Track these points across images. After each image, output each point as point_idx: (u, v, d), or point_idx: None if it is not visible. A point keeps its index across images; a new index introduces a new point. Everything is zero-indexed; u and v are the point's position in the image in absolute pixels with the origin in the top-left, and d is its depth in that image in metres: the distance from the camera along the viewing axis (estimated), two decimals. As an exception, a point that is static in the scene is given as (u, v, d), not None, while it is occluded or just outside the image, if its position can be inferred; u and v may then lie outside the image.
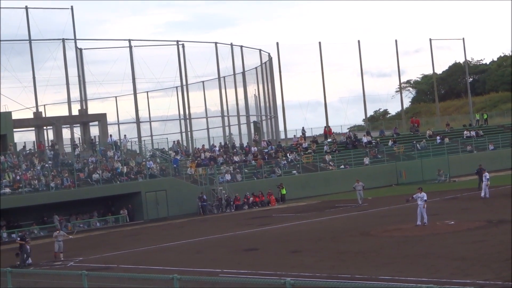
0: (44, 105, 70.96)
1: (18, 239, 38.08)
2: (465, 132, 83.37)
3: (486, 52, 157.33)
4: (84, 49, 71.70)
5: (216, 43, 77.54)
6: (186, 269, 28.63)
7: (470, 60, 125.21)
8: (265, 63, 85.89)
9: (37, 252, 39.50)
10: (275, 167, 68.06)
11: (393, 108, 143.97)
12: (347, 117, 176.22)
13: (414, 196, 37.92)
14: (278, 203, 62.13)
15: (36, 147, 64.74)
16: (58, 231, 39.31)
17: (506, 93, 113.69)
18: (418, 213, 37.06)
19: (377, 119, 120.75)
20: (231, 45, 79.07)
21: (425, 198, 37.35)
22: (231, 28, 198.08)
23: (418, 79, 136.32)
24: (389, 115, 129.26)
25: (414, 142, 78.23)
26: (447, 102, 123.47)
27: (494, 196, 48.63)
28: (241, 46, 79.70)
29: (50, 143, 66.10)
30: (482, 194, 49.03)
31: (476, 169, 57.69)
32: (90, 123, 68.08)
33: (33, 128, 68.44)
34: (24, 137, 70.78)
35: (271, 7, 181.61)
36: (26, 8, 66.77)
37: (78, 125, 69.13)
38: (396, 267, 25.25)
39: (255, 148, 73.02)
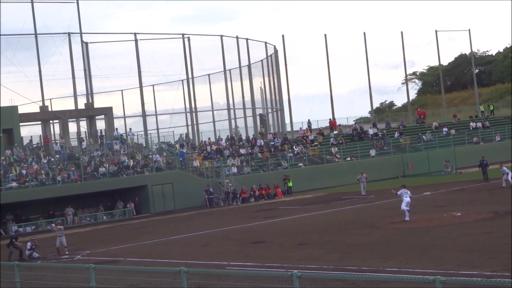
0: (50, 99, 71.12)
1: (14, 240, 38.09)
2: (471, 123, 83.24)
3: (492, 43, 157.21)
4: (90, 43, 71.78)
5: (221, 36, 77.52)
6: (193, 262, 28.67)
7: (476, 52, 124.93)
8: (271, 55, 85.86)
9: (44, 246, 39.56)
10: (281, 160, 68.08)
11: (399, 100, 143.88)
12: (353, 109, 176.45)
13: (398, 192, 37.37)
14: (285, 196, 62.16)
15: (42, 141, 64.85)
16: (57, 226, 38.90)
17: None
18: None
19: (383, 111, 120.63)
20: (237, 38, 79.03)
21: (410, 194, 37.09)
22: (237, 21, 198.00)
23: (424, 70, 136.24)
24: (395, 107, 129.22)
25: (420, 134, 78.15)
26: (453, 93, 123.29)
27: (501, 188, 48.65)
28: (247, 39, 79.66)
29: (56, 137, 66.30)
30: (504, 185, 49.03)
31: (478, 161, 57.81)
32: (96, 117, 68.18)
33: (40, 122, 68.56)
34: (30, 131, 71.12)
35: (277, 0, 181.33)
36: (32, 2, 66.80)
37: (84, 119, 69.26)
38: (402, 259, 25.23)
39: (261, 140, 73.04)
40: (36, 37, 67.13)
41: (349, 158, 70.91)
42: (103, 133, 66.00)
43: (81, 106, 68.58)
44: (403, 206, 36.37)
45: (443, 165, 67.68)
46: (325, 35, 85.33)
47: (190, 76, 75.22)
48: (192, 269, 20.00)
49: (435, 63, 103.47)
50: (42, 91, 67.26)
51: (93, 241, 42.83)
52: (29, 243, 37.01)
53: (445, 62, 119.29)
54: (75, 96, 69.65)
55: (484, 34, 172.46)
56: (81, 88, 70.14)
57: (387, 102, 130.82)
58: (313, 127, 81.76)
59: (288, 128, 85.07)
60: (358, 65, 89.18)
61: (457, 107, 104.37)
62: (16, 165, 57.02)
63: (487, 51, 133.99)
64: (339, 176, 67.55)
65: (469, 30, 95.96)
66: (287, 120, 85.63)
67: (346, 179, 65.80)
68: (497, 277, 19.82)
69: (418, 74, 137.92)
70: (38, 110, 66.39)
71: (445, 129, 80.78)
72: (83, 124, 70.14)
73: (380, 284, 18.54)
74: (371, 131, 78.67)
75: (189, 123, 77.77)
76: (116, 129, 67.13)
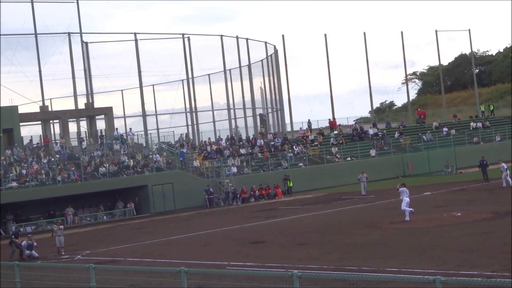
0: (51, 99, 71.14)
1: (13, 236, 38.15)
2: (471, 123, 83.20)
3: (492, 43, 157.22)
4: (90, 42, 71.76)
5: (221, 36, 77.49)
6: (193, 262, 28.66)
7: (476, 52, 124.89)
8: (271, 55, 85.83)
9: (44, 246, 39.58)
10: (281, 160, 68.06)
11: (400, 100, 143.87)
12: (353, 109, 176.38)
13: (399, 189, 37.40)
14: (285, 196, 62.14)
15: (42, 141, 64.84)
16: (58, 226, 39.00)
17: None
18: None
19: (384, 111, 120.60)
20: (237, 38, 78.98)
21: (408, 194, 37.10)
22: (237, 21, 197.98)
23: (424, 70, 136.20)
24: (395, 107, 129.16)
25: (420, 134, 78.11)
26: (454, 93, 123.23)
27: (501, 188, 48.67)
28: (247, 39, 79.63)
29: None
30: (504, 185, 49.10)
31: (478, 161, 57.80)
32: (97, 117, 68.17)
33: (40, 122, 68.55)
34: (30, 131, 71.11)
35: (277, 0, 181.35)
36: (32, 2, 66.77)
37: (85, 118, 69.23)
38: (402, 259, 25.23)
39: (262, 140, 73.02)
40: (36, 37, 67.12)
41: (349, 158, 70.90)
42: (103, 133, 65.98)
43: (81, 106, 68.57)
44: (403, 206, 36.40)
45: (443, 165, 67.68)
46: (325, 35, 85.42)
47: (190, 76, 75.20)
48: (192, 269, 20.00)
49: (435, 63, 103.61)
50: (42, 91, 67.27)
51: (93, 241, 42.81)
52: (24, 242, 36.97)
53: (445, 62, 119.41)
54: (75, 96, 69.65)
55: (484, 34, 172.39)
56: (81, 88, 70.22)
57: (387, 102, 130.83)
58: (313, 127, 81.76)
59: (288, 128, 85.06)
60: (358, 65, 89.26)
61: (457, 107, 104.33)
62: (16, 165, 57.01)
63: (487, 51, 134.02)
64: (339, 176, 67.52)
65: (469, 30, 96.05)
66: (287, 120, 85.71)
67: (346, 179, 65.78)
68: (497, 277, 19.81)
69: (418, 74, 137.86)
70: (38, 110, 66.37)
71: (445, 129, 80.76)
72: (83, 124, 70.11)
73: (380, 284, 18.56)
74: (371, 131, 78.64)
75: (189, 123, 77.75)
76: (116, 129, 67.13)
